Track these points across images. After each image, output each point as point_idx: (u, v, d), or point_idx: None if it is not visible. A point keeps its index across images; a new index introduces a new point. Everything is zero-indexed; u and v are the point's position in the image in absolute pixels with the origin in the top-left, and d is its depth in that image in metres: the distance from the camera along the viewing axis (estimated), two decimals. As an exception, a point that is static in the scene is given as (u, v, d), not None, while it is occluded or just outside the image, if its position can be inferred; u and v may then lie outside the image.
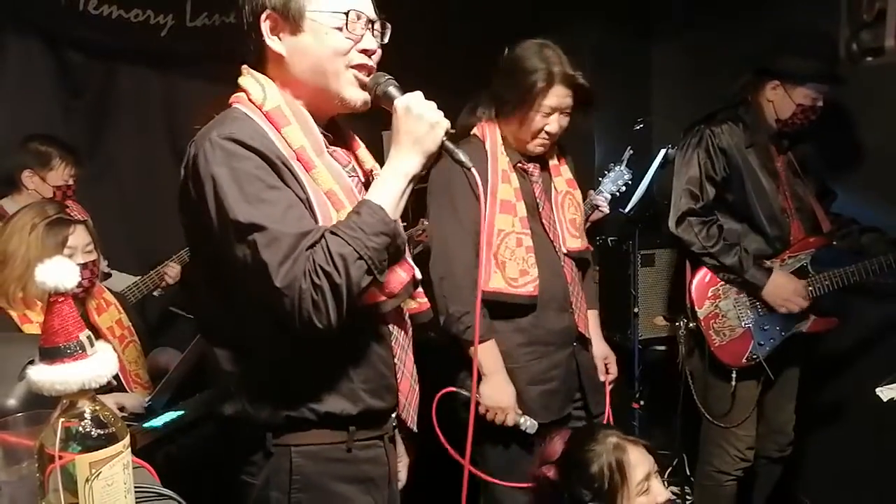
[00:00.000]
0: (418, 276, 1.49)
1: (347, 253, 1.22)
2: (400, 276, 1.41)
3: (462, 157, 1.37)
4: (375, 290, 1.35)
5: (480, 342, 2.02)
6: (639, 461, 1.64)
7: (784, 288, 2.51)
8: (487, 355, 2.04)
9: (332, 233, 1.24)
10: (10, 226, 2.16)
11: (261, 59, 1.39)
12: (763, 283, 2.50)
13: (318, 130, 1.39)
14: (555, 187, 2.22)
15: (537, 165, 2.19)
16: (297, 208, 1.26)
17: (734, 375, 2.59)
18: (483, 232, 1.46)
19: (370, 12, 1.39)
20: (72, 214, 2.21)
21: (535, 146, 2.12)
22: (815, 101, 2.48)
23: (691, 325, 2.63)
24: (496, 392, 2.04)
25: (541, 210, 2.16)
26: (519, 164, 2.15)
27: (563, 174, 2.25)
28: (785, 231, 2.58)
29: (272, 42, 1.35)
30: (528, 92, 2.03)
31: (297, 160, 1.32)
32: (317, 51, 1.35)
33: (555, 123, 2.08)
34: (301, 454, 1.36)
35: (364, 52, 1.37)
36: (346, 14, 1.34)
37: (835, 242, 2.62)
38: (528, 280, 2.05)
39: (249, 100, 1.35)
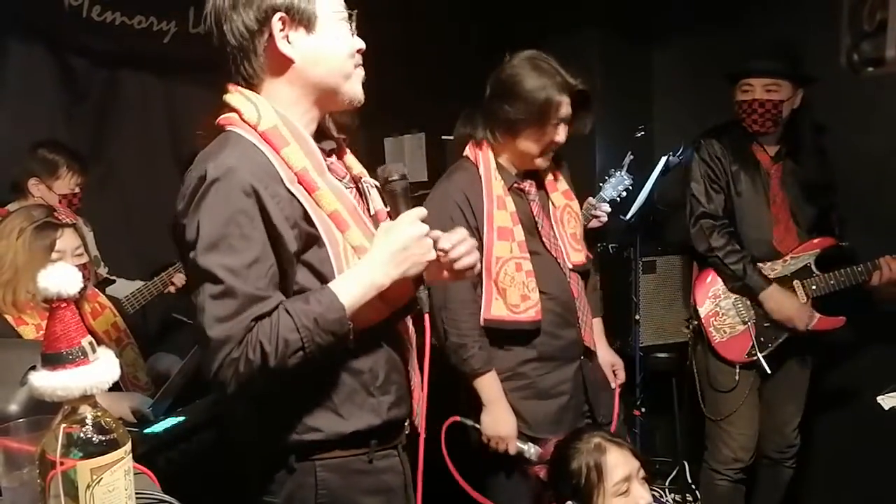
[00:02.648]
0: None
1: (293, 341, 1.19)
2: (403, 293, 1.39)
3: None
4: (382, 307, 1.34)
5: (482, 374, 2.02)
6: (619, 462, 1.64)
7: (783, 305, 2.57)
8: (487, 386, 2.03)
9: (287, 311, 1.21)
10: None
11: (259, 72, 1.32)
12: (758, 290, 2.58)
13: (318, 150, 1.35)
14: (552, 203, 2.20)
15: (532, 183, 2.17)
16: (262, 265, 1.22)
17: (737, 371, 2.64)
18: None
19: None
20: (59, 218, 2.19)
21: (543, 160, 2.11)
22: (745, 93, 2.56)
23: (694, 322, 2.74)
24: (497, 422, 2.02)
25: (540, 229, 2.13)
26: (515, 185, 2.13)
27: (559, 188, 2.23)
28: (768, 236, 2.63)
29: (284, 45, 1.29)
30: (544, 107, 1.99)
31: (299, 182, 1.29)
32: (331, 51, 1.32)
33: (563, 133, 2.07)
34: (326, 468, 1.34)
35: (359, 51, 1.37)
36: (350, 14, 1.33)
37: (843, 244, 2.63)
38: (529, 305, 2.03)
39: (243, 120, 1.31)
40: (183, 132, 3.61)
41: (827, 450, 2.98)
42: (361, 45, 1.36)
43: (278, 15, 1.28)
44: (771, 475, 2.84)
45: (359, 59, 1.37)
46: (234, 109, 1.32)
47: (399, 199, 1.33)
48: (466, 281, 2.00)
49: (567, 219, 2.20)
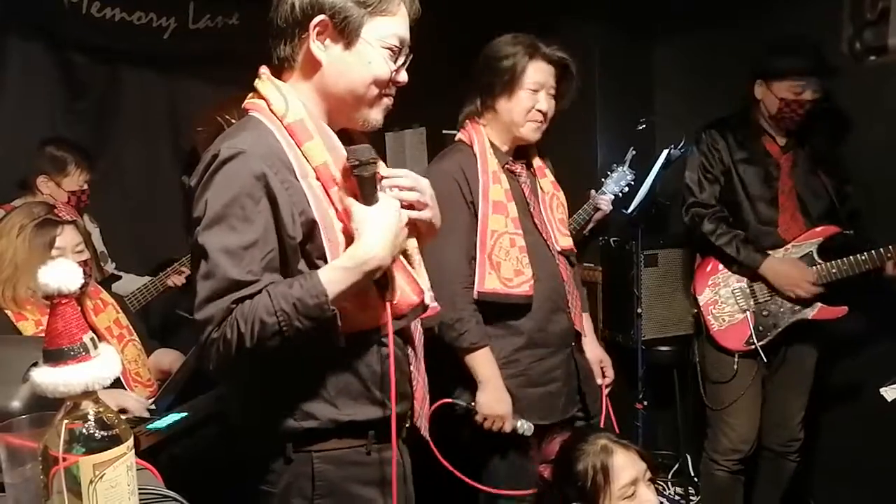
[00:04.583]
0: (427, 301, 1.46)
1: (270, 323, 1.20)
2: (410, 298, 1.40)
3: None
4: (383, 312, 1.34)
5: (477, 349, 2.02)
6: (625, 465, 1.62)
7: (785, 273, 2.56)
8: (483, 363, 2.03)
9: (268, 294, 1.22)
10: None
11: (290, 60, 1.35)
12: (756, 264, 2.59)
13: (341, 146, 1.36)
14: (541, 187, 2.23)
15: (523, 166, 2.21)
16: (259, 248, 1.23)
17: (736, 360, 2.64)
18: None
19: (407, 41, 1.38)
20: (60, 215, 2.20)
21: (531, 130, 2.12)
22: (797, 94, 2.53)
23: (693, 311, 2.78)
24: (493, 400, 2.03)
25: (532, 210, 2.16)
26: (507, 166, 2.16)
27: (547, 175, 2.27)
28: (773, 225, 2.63)
29: (316, 47, 1.32)
30: (512, 70, 2.06)
31: (317, 178, 1.30)
32: (357, 73, 1.33)
33: (544, 101, 2.09)
34: (323, 459, 1.35)
35: (397, 83, 1.38)
36: (399, 47, 1.35)
37: (849, 232, 2.61)
38: (523, 280, 2.05)
39: (270, 110, 1.33)
40: (184, 128, 3.60)
41: (830, 443, 2.97)
42: (401, 79, 1.38)
43: (321, 17, 1.30)
44: (773, 468, 2.83)
45: (389, 90, 1.38)
46: (262, 97, 1.35)
47: (368, 182, 1.30)
48: (461, 256, 2.04)
49: (555, 205, 2.23)
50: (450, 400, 2.05)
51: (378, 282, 1.32)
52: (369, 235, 1.27)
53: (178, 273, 3.14)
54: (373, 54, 1.33)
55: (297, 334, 1.22)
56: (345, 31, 1.31)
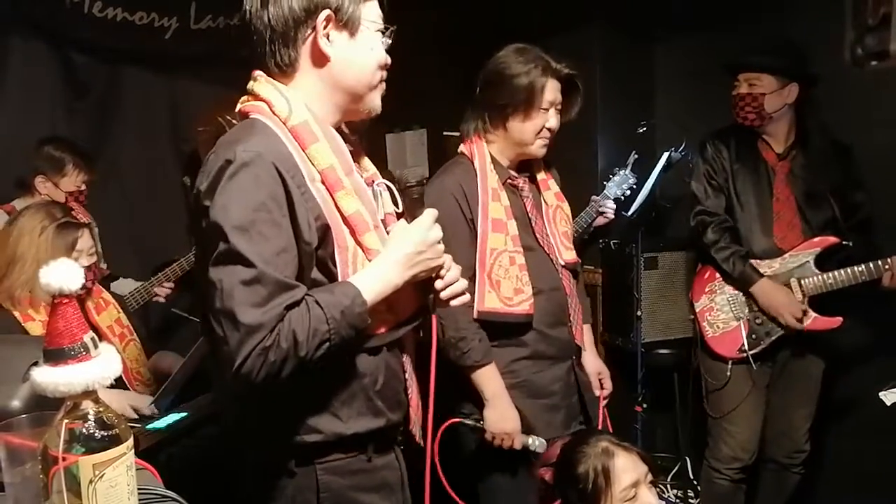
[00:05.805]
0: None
1: (322, 332, 1.20)
2: (412, 303, 1.40)
3: None
4: (388, 317, 1.35)
5: (482, 366, 2.00)
6: (626, 468, 1.63)
7: (773, 297, 2.55)
8: (488, 380, 2.01)
9: (317, 303, 1.21)
10: (18, 227, 2.13)
11: (293, 63, 1.32)
12: (750, 281, 2.59)
13: (346, 148, 1.36)
14: (545, 201, 2.21)
15: (526, 180, 2.18)
16: (289, 253, 1.22)
17: (729, 367, 2.64)
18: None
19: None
20: (78, 217, 2.21)
21: (538, 147, 2.10)
22: (734, 88, 2.59)
23: (690, 317, 2.79)
24: (500, 417, 2.00)
25: (534, 225, 2.14)
26: (509, 181, 2.13)
27: (551, 188, 2.25)
28: (769, 233, 2.62)
29: (325, 44, 1.31)
30: (529, 90, 2.02)
31: (322, 182, 1.29)
32: (364, 60, 1.34)
33: (553, 119, 2.08)
34: (327, 470, 1.34)
35: (385, 66, 1.39)
36: (391, 28, 1.37)
37: (847, 243, 2.57)
38: (523, 298, 2.03)
39: (273, 112, 1.30)
40: (184, 128, 3.60)
41: (833, 455, 2.95)
42: (388, 60, 1.39)
43: (326, 12, 1.30)
44: (776, 480, 2.81)
45: (384, 73, 1.39)
46: (262, 99, 1.32)
47: (416, 203, 1.39)
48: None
49: (559, 218, 2.21)
50: (458, 420, 2.02)
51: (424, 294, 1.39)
52: (392, 251, 1.31)
53: (161, 285, 3.09)
54: (373, 39, 1.35)
55: (339, 342, 1.23)
56: (349, 22, 1.31)
